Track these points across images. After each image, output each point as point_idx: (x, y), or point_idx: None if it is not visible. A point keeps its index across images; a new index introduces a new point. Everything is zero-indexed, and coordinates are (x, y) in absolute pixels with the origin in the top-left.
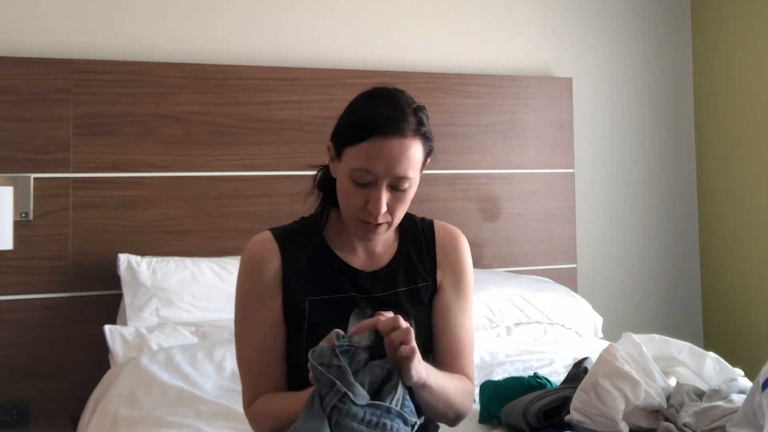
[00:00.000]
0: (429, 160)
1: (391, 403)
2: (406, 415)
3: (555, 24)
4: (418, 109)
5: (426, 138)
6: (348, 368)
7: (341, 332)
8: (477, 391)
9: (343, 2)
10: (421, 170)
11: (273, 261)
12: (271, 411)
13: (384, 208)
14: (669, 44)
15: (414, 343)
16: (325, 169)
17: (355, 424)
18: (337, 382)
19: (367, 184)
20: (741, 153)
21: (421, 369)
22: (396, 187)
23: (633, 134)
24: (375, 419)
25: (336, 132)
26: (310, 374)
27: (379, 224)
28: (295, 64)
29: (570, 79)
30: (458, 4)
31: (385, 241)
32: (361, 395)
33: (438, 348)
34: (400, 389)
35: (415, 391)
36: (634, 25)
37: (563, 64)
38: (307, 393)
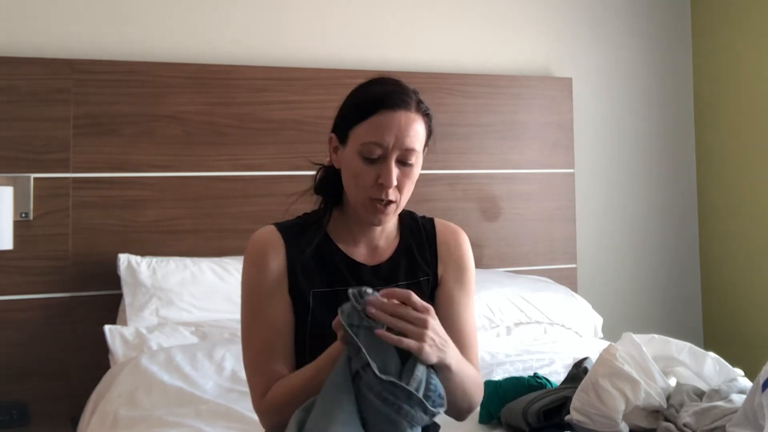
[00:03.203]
0: (429, 143)
1: (409, 384)
2: (427, 404)
3: (555, 24)
4: (416, 91)
5: (427, 116)
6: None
7: (357, 292)
8: None
9: (343, 2)
10: (424, 150)
11: (278, 253)
12: (289, 389)
13: (395, 181)
14: (669, 44)
15: (421, 330)
16: (324, 169)
17: (371, 396)
18: (363, 349)
19: (377, 160)
20: (741, 153)
21: (436, 352)
22: (404, 161)
23: (633, 134)
24: (392, 398)
25: (339, 118)
26: (340, 334)
27: (390, 203)
28: (294, 64)
29: (570, 79)
30: (458, 3)
31: (387, 236)
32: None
33: None
34: (422, 369)
35: (452, 371)
36: (634, 26)
37: (563, 64)
38: (320, 360)
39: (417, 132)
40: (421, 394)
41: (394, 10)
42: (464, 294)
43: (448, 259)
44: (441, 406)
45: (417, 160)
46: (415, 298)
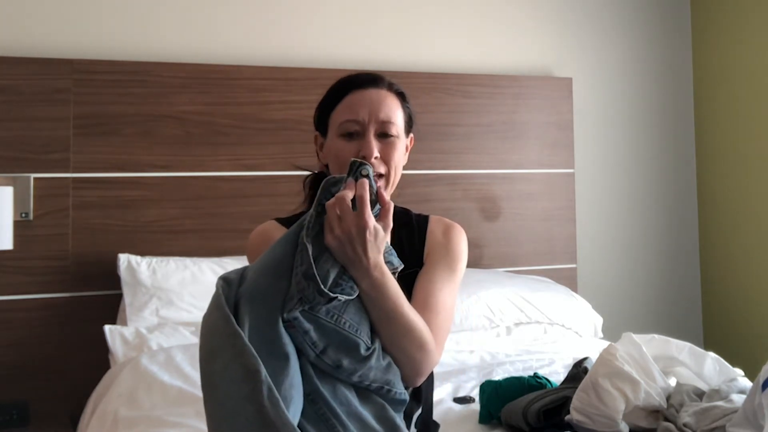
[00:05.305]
0: (413, 133)
1: (322, 259)
2: (322, 285)
3: (555, 24)
4: (389, 79)
5: (402, 97)
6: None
7: (358, 163)
8: (477, 391)
9: (344, 2)
10: (408, 136)
11: None
12: None
13: (376, 152)
14: (669, 44)
15: (338, 225)
16: (313, 174)
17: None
18: (313, 211)
19: (356, 137)
20: (741, 153)
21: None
22: (383, 133)
23: (633, 134)
24: (299, 261)
25: (317, 113)
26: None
27: (378, 177)
28: (294, 64)
29: (570, 79)
30: (459, 4)
31: None
32: (314, 238)
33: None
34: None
35: (364, 291)
36: (634, 25)
37: (563, 64)
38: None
39: (391, 107)
40: (332, 276)
41: (394, 10)
42: (447, 271)
43: (437, 244)
44: (347, 294)
45: (399, 133)
46: (389, 218)
